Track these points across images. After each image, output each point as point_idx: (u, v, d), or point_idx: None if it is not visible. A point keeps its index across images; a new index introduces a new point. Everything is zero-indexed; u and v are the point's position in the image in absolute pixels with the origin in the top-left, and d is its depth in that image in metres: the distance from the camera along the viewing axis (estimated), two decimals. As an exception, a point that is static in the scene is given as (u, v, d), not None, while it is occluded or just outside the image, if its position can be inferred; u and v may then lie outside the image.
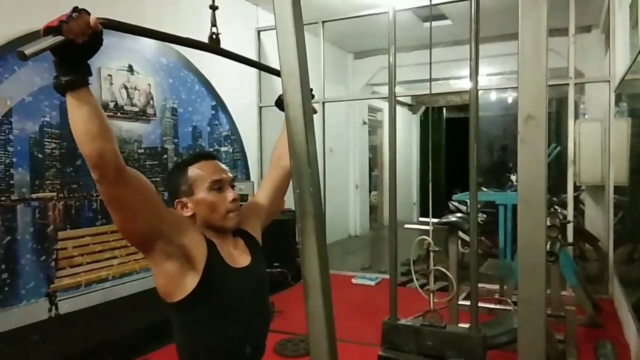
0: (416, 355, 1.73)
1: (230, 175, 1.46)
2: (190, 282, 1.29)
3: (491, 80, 8.08)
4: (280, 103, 1.55)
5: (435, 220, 3.28)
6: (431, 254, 1.96)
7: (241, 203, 1.46)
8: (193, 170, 1.39)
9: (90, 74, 1.06)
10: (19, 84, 3.05)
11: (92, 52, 1.02)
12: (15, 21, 3.03)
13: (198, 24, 1.82)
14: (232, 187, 1.43)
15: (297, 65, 0.91)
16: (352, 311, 4.02)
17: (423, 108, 10.39)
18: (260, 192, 1.67)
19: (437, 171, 10.03)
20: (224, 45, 1.40)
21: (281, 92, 1.40)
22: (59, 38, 0.96)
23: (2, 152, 2.97)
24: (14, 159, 3.03)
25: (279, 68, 0.93)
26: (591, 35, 5.98)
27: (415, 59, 5.50)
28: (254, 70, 5.47)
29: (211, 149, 4.72)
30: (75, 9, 0.98)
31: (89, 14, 1.00)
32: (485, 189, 5.71)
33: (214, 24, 1.39)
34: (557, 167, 5.47)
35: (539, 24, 0.77)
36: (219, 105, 4.89)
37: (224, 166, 1.47)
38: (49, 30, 0.95)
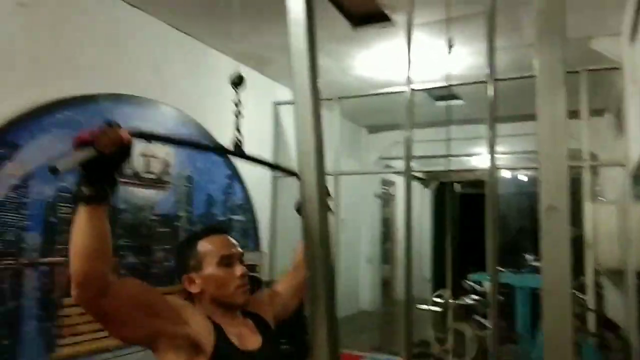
0: None
1: (240, 249, 1.43)
2: None
3: (502, 159, 8.15)
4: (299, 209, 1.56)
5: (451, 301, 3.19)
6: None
7: (252, 274, 1.44)
8: (203, 245, 1.36)
9: (113, 190, 1.02)
10: (40, 148, 3.12)
11: (119, 166, 1.00)
12: (35, 89, 3.11)
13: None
14: (241, 262, 1.40)
15: (314, 146, 0.92)
16: (361, 395, 3.80)
17: (437, 183, 10.40)
18: (280, 284, 1.65)
19: (450, 247, 9.84)
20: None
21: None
22: (91, 151, 0.94)
23: (16, 215, 2.99)
24: (27, 223, 3.04)
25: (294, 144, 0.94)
26: (603, 119, 6.05)
27: (427, 136, 5.58)
28: (270, 141, 5.58)
29: (224, 218, 4.72)
30: (109, 123, 0.98)
31: (120, 127, 1.00)
32: (500, 269, 5.56)
33: (238, 130, 1.50)
34: (572, 250, 5.34)
35: (557, 116, 0.77)
36: (234, 174, 4.94)
37: (234, 240, 1.44)
38: (81, 143, 0.95)
